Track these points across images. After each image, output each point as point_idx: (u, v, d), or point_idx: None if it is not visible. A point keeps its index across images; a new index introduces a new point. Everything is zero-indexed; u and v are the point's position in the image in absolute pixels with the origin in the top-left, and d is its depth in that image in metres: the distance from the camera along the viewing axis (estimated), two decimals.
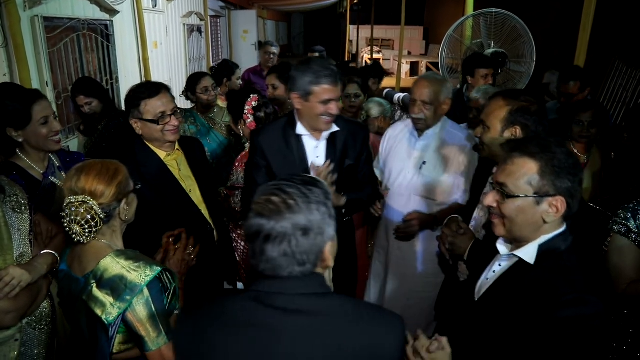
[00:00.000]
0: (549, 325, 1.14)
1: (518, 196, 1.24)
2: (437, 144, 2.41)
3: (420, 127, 2.42)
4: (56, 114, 2.09)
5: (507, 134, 1.73)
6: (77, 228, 1.37)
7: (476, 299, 1.43)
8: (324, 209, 1.03)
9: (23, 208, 1.68)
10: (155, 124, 1.99)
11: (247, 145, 2.43)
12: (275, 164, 2.10)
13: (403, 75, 11.63)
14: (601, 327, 1.16)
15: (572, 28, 4.30)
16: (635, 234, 1.72)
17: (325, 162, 2.03)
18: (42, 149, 1.99)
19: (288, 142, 2.11)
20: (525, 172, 1.23)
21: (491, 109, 1.77)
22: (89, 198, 1.37)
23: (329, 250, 1.06)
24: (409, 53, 16.17)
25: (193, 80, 3.27)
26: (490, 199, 1.32)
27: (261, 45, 4.95)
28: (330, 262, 1.07)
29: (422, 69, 14.16)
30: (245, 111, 2.38)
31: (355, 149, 2.19)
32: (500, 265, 1.37)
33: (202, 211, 2.17)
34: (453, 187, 2.43)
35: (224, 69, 3.94)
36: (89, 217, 1.37)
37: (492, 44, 4.76)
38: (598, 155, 2.69)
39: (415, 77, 6.73)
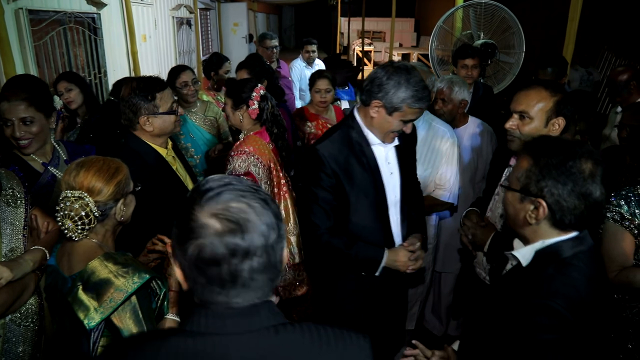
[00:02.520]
0: (523, 331, 1.13)
1: (509, 188, 1.27)
2: (420, 137, 2.36)
3: None
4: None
5: (550, 126, 1.72)
6: (69, 223, 1.33)
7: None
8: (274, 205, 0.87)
9: (18, 202, 1.63)
10: (173, 114, 1.99)
11: (242, 136, 2.37)
12: (346, 178, 1.88)
13: None
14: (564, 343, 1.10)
15: (560, 18, 4.32)
16: (629, 220, 1.74)
17: (412, 241, 1.98)
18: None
19: (356, 153, 1.88)
20: (520, 168, 1.25)
21: (534, 100, 1.73)
22: (85, 194, 1.34)
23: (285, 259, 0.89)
24: (400, 45, 16.15)
25: (173, 75, 3.25)
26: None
27: (259, 40, 4.68)
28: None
29: (414, 61, 14.17)
30: (252, 97, 2.30)
31: (412, 149, 2.10)
32: (512, 264, 1.37)
33: None
34: (433, 181, 2.43)
35: (212, 62, 3.92)
36: (83, 213, 1.33)
37: (482, 35, 4.75)
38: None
39: None
